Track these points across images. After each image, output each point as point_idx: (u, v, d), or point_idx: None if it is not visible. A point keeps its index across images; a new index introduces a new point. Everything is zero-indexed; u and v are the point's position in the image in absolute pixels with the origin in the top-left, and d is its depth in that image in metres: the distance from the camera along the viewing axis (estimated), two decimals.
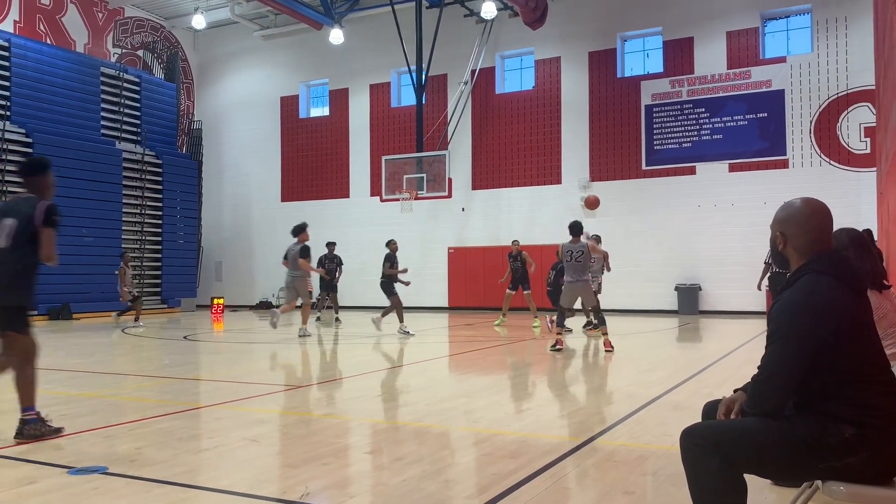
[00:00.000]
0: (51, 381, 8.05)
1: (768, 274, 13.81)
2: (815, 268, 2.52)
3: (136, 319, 17.13)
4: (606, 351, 10.30)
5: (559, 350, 10.44)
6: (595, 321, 12.79)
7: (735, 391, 2.71)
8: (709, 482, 2.45)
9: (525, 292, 15.62)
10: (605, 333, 10.65)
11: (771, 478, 2.95)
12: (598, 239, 14.11)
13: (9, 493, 3.76)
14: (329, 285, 17.31)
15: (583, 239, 10.77)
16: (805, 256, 2.59)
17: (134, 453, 4.60)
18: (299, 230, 13.80)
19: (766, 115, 19.33)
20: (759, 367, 2.51)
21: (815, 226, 2.59)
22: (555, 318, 11.21)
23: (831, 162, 18.61)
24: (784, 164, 19.07)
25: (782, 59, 19.31)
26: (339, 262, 17.54)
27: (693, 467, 2.49)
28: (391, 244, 14.51)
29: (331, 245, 17.58)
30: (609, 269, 14.60)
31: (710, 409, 2.85)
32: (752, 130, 19.47)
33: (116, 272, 17.41)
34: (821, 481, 2.49)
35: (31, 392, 5.05)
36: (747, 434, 2.45)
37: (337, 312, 17.37)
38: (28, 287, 5.34)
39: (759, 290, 14.49)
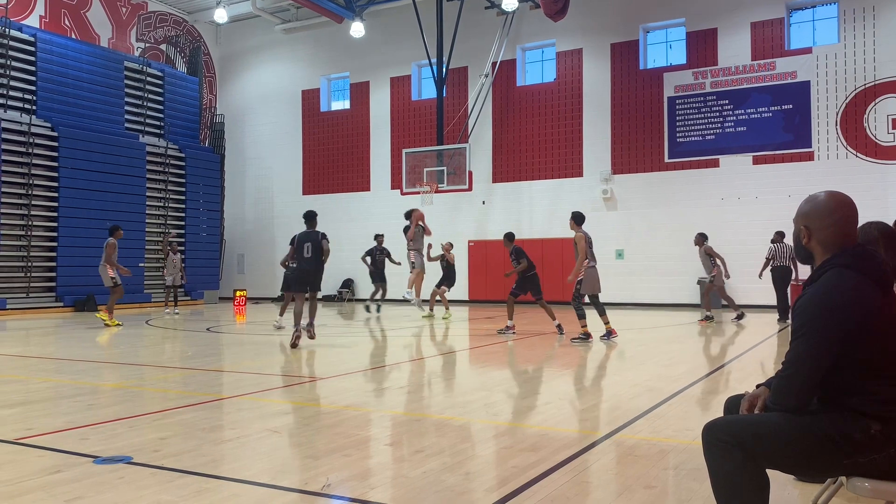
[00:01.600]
0: (77, 371, 8.18)
1: (769, 267, 14.81)
2: (840, 262, 2.48)
3: (166, 306, 17.89)
4: (573, 340, 10.96)
5: (584, 339, 10.95)
6: (708, 314, 14.48)
7: (758, 386, 2.68)
8: (731, 477, 2.43)
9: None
10: (584, 326, 11.13)
11: (795, 473, 2.92)
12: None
13: (36, 482, 3.83)
14: (381, 276, 17.50)
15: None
16: (830, 250, 2.54)
17: (158, 443, 4.66)
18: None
19: (791, 106, 19.07)
20: (783, 363, 2.48)
21: (839, 219, 2.54)
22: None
23: (858, 154, 18.34)
24: (809, 157, 18.82)
25: (808, 50, 19.03)
26: (388, 254, 17.71)
27: (715, 462, 2.47)
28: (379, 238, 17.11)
29: (379, 237, 17.82)
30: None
31: (733, 403, 2.82)
32: (777, 122, 19.23)
33: (163, 258, 17.28)
34: (845, 477, 2.47)
35: (314, 312, 11.05)
36: (771, 429, 2.42)
37: (380, 303, 17.71)
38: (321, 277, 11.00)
39: (760, 278, 15.32)
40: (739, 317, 14.44)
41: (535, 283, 12.19)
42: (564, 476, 3.93)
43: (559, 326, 12.03)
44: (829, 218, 2.55)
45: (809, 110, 18.88)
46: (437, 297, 16.55)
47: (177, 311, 18.34)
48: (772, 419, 2.45)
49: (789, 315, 15.64)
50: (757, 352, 9.77)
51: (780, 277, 14.70)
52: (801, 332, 2.43)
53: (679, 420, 5.36)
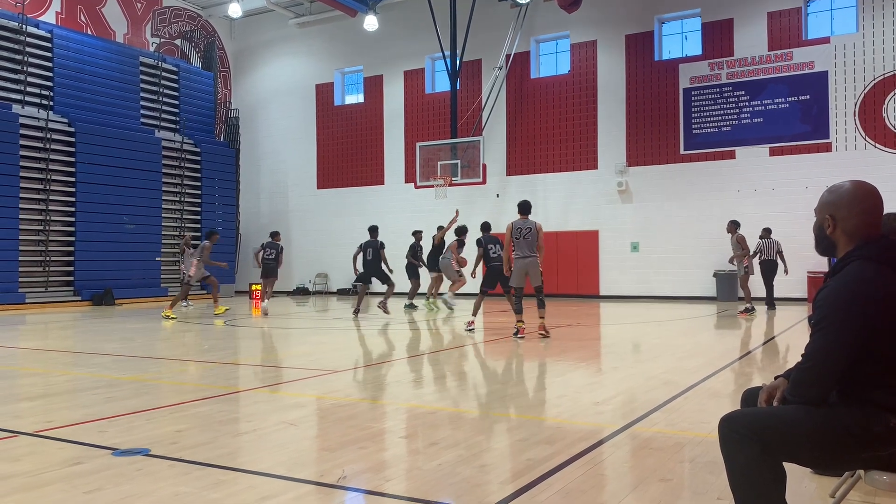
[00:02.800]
0: (95, 364, 8.26)
1: (757, 260, 15.52)
2: (864, 254, 2.44)
3: (183, 299, 17.55)
4: (541, 334, 10.55)
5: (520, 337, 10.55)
6: (748, 305, 14.53)
7: (776, 378, 2.67)
8: (747, 470, 2.41)
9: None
10: (542, 318, 10.75)
11: (812, 466, 2.90)
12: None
13: (56, 473, 3.87)
14: (415, 272, 17.48)
15: (531, 217, 11.06)
16: (854, 241, 2.50)
17: (175, 436, 4.70)
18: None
19: (808, 97, 18.88)
20: (803, 355, 2.45)
21: (866, 208, 2.51)
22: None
23: (877, 145, 18.13)
24: (827, 148, 18.63)
25: (826, 40, 18.81)
26: (421, 251, 17.71)
27: (732, 455, 2.45)
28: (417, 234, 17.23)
29: (417, 234, 17.80)
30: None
31: (750, 396, 2.80)
32: (794, 113, 19.05)
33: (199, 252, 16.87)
34: (863, 471, 2.45)
35: (388, 294, 14.10)
36: (789, 422, 2.40)
37: (412, 298, 17.58)
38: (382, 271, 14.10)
39: (753, 273, 15.50)
40: (748, 310, 14.72)
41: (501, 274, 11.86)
42: (579, 469, 3.92)
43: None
44: (856, 207, 2.50)
45: (827, 101, 18.68)
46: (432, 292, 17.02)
47: (189, 303, 18.66)
48: (790, 412, 2.43)
49: (774, 305, 16.00)
50: (774, 344, 9.70)
51: (768, 271, 15.51)
52: (822, 325, 2.39)
53: (695, 413, 5.34)
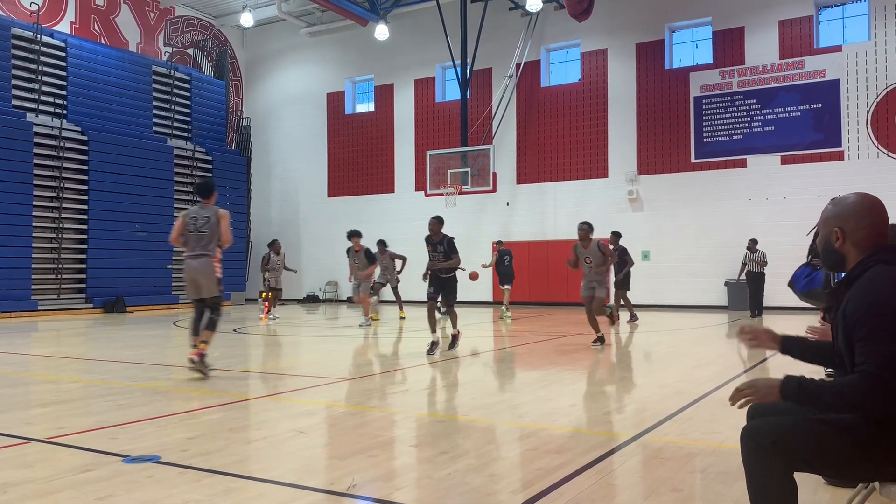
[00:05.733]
0: (106, 371, 8.29)
1: (744, 271, 16.89)
2: (881, 258, 2.41)
3: (269, 311, 16.66)
4: (190, 360, 7.58)
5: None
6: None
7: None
8: (770, 482, 2.38)
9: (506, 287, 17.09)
10: (205, 342, 7.67)
11: (834, 477, 2.87)
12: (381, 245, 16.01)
13: (67, 480, 3.89)
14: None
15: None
16: (864, 252, 2.48)
17: (186, 443, 4.71)
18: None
19: (820, 105, 18.80)
20: (859, 369, 2.30)
21: (874, 219, 2.49)
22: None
23: (889, 153, 18.02)
24: (839, 157, 18.54)
25: (838, 48, 18.74)
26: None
27: (754, 467, 2.42)
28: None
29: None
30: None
31: (757, 408, 2.78)
32: (806, 122, 18.96)
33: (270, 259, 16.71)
34: (878, 483, 2.42)
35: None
36: (815, 436, 2.36)
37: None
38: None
39: (738, 280, 17.41)
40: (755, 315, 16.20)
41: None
42: (590, 478, 3.90)
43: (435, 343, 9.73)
44: (865, 219, 2.49)
45: (839, 109, 18.59)
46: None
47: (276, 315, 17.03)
48: (814, 425, 2.39)
49: (760, 312, 16.78)
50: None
51: (753, 280, 16.79)
52: (874, 334, 2.27)
53: (707, 423, 5.31)
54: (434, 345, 9.62)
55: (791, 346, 2.83)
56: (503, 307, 17.01)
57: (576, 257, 10.58)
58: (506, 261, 17.03)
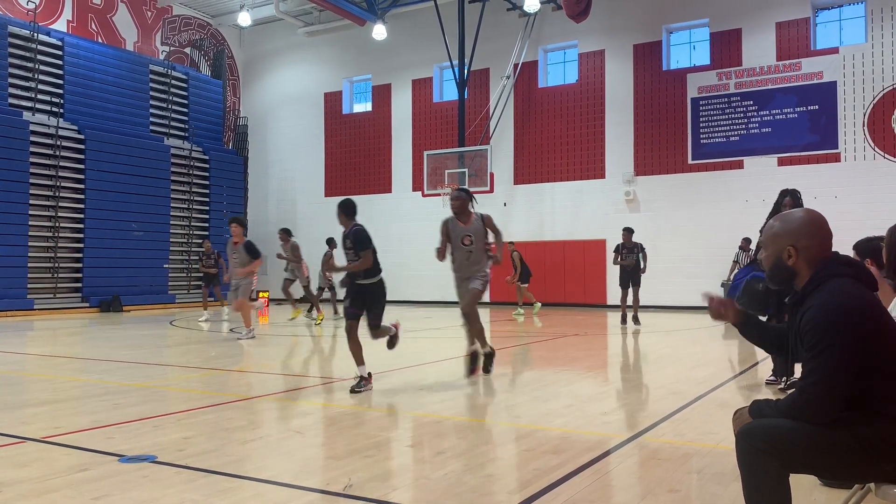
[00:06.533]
0: (102, 371, 8.28)
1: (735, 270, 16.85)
2: (833, 272, 2.49)
3: (310, 310, 16.26)
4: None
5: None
6: None
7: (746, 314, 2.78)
8: (765, 484, 2.40)
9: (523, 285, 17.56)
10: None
11: (830, 478, 2.89)
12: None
13: (63, 479, 3.88)
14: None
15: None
16: (813, 266, 2.55)
17: (182, 443, 4.70)
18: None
19: (816, 107, 18.83)
20: (803, 381, 2.42)
21: (824, 235, 2.58)
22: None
23: (886, 156, 18.05)
24: (836, 158, 18.57)
25: (835, 50, 18.78)
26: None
27: (750, 469, 2.43)
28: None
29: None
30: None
31: (754, 409, 2.78)
32: (803, 123, 19.00)
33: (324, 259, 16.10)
34: (874, 483, 2.43)
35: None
36: (810, 437, 2.38)
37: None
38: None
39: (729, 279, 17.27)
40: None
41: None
42: (587, 479, 3.91)
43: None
44: (817, 235, 2.57)
45: (836, 111, 18.63)
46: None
47: (314, 316, 15.80)
48: (809, 427, 2.41)
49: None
50: None
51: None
52: (819, 347, 2.36)
53: (703, 423, 5.31)
54: (363, 380, 6.81)
55: (750, 327, 2.84)
56: (532, 306, 18.01)
57: (447, 239, 7.56)
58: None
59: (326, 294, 17.44)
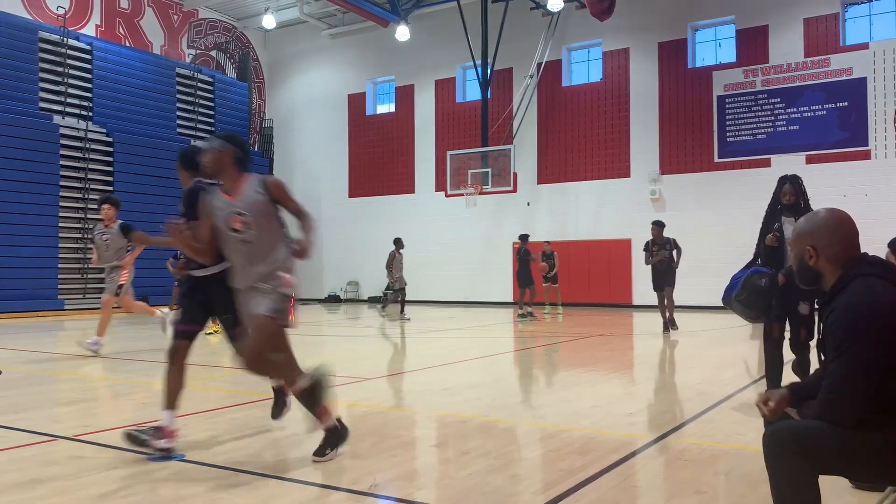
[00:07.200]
0: (131, 370, 8.39)
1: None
2: (861, 271, 2.45)
3: (402, 311, 16.73)
4: None
5: None
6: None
7: (791, 386, 2.66)
8: (795, 485, 2.37)
9: (554, 286, 17.49)
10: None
11: (858, 480, 2.85)
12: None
13: (92, 478, 3.94)
14: (528, 279, 17.02)
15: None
16: (839, 266, 2.51)
17: (210, 442, 4.75)
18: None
19: (846, 104, 18.54)
20: (828, 382, 2.40)
21: (846, 233, 2.54)
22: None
23: None
24: (866, 156, 18.27)
25: (864, 46, 18.47)
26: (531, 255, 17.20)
27: (778, 471, 2.41)
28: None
29: (524, 236, 17.48)
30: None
31: (797, 398, 2.76)
32: (832, 120, 18.72)
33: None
34: None
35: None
36: (839, 438, 2.35)
37: (521, 308, 17.12)
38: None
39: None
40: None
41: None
42: (612, 480, 3.88)
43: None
44: (836, 234, 2.53)
45: (866, 107, 18.32)
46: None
47: (406, 316, 16.70)
48: (837, 429, 2.38)
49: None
50: (810, 355, 9.51)
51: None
52: (844, 347, 2.34)
53: (730, 424, 5.26)
54: (279, 406, 5.22)
55: (805, 396, 2.69)
56: (557, 307, 17.75)
57: (208, 222, 4.53)
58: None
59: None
